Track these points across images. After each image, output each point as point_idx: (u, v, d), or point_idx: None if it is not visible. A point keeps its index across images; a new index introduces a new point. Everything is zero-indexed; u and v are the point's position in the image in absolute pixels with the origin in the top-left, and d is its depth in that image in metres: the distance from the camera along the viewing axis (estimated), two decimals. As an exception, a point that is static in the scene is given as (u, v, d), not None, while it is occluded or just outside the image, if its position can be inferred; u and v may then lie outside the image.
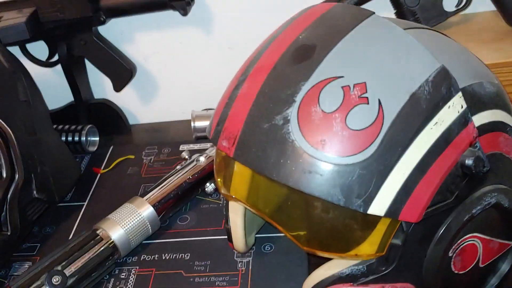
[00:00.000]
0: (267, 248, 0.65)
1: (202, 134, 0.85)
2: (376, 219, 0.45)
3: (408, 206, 0.43)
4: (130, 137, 0.93)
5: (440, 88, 0.44)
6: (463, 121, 0.45)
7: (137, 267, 0.65)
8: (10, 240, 0.65)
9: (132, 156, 0.86)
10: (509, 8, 0.78)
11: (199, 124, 0.84)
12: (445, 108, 0.44)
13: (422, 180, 0.43)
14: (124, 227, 0.64)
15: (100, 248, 0.62)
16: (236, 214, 0.57)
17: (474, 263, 0.50)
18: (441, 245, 0.47)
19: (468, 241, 0.48)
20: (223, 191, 0.54)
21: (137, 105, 0.96)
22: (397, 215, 0.43)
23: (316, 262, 0.51)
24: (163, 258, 0.66)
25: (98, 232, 0.63)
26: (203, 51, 0.90)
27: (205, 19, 0.87)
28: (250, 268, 0.63)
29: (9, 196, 0.64)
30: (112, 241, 0.63)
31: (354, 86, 0.43)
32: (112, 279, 0.64)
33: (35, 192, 0.68)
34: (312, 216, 0.48)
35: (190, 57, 0.90)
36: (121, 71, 0.85)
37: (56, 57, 0.86)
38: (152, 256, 0.66)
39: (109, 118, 0.92)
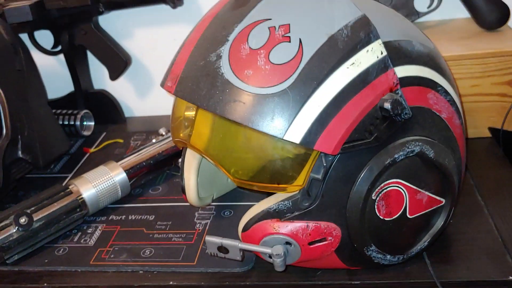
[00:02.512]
0: (226, 214, 0.69)
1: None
2: (296, 150, 0.49)
3: (324, 137, 0.47)
4: (124, 127, 0.99)
5: (358, 33, 0.48)
6: (382, 66, 0.49)
7: (104, 225, 0.69)
8: (-9, 192, 0.71)
9: (121, 140, 0.92)
10: (479, 12, 0.83)
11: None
12: (363, 51, 0.48)
13: (338, 114, 0.47)
14: (95, 186, 0.69)
15: (69, 201, 0.67)
16: (190, 167, 0.62)
17: (401, 212, 0.52)
18: (363, 185, 0.50)
19: (391, 186, 0.51)
20: (176, 140, 0.59)
21: (133, 98, 1.03)
22: (312, 144, 0.47)
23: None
24: (129, 218, 0.70)
25: (70, 187, 0.68)
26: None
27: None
28: (207, 228, 0.66)
29: (-6, 151, 0.70)
30: (82, 197, 0.68)
31: (279, 27, 0.48)
32: (79, 233, 0.68)
33: (20, 152, 0.74)
34: (238, 146, 0.52)
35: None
36: (117, 61, 0.92)
37: (60, 47, 0.94)
38: (120, 217, 0.71)
39: (106, 108, 0.99)
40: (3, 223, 0.62)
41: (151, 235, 0.66)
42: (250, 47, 0.48)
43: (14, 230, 0.62)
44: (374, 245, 0.52)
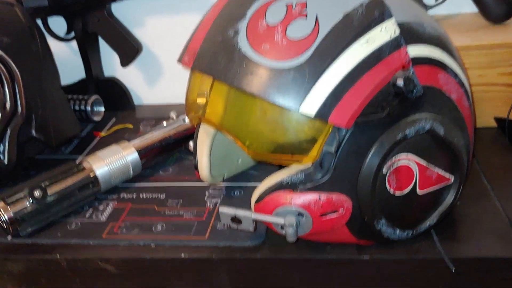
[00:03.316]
0: (236, 194, 0.70)
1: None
2: (310, 123, 0.50)
3: (338, 110, 0.48)
4: (134, 114, 1.00)
5: (373, 12, 0.50)
6: (395, 44, 0.50)
7: (115, 202, 0.71)
8: (5, 169, 0.72)
9: (131, 126, 0.93)
10: (486, 5, 0.84)
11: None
12: (377, 29, 0.50)
13: (352, 89, 0.48)
14: (108, 164, 0.71)
15: (81, 176, 0.68)
16: (203, 144, 0.63)
17: (410, 187, 0.53)
18: (374, 160, 0.51)
19: (402, 161, 0.52)
20: (190, 115, 0.61)
21: (142, 87, 1.05)
22: (326, 117, 0.48)
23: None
24: (140, 197, 0.71)
25: (83, 164, 0.70)
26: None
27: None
28: (217, 206, 0.68)
29: (10, 128, 0.72)
30: (94, 173, 0.69)
31: (296, 4, 0.50)
32: (91, 209, 0.69)
33: (34, 131, 0.75)
34: (254, 119, 0.53)
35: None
36: (128, 48, 0.94)
37: (72, 34, 0.96)
38: (131, 195, 0.72)
39: (116, 95, 1.00)
40: (17, 196, 0.63)
41: (162, 212, 0.67)
42: (267, 23, 0.50)
43: (28, 203, 0.63)
44: (384, 219, 0.53)
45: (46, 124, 0.77)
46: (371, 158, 0.51)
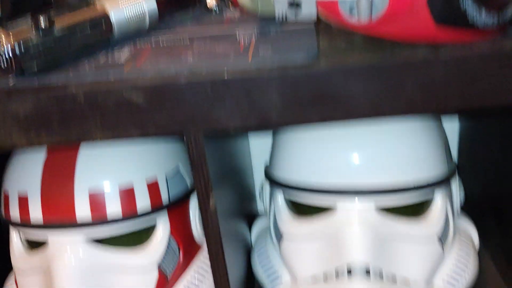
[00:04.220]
0: (272, 31, 0.60)
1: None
2: None
3: None
4: None
5: None
6: None
7: (132, 48, 0.61)
8: (-1, 20, 0.62)
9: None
10: None
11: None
12: None
13: None
14: (122, 5, 0.60)
15: (93, 13, 0.58)
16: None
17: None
18: None
19: None
20: None
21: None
22: None
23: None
24: (160, 44, 0.61)
25: (95, 1, 0.59)
26: None
27: None
28: (252, 40, 0.58)
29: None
30: (107, 12, 0.59)
31: None
32: (105, 54, 0.59)
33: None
34: None
35: None
36: None
37: None
38: (149, 43, 0.62)
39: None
40: (20, 25, 0.53)
41: (190, 47, 0.58)
42: None
43: (34, 33, 0.53)
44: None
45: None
46: None
